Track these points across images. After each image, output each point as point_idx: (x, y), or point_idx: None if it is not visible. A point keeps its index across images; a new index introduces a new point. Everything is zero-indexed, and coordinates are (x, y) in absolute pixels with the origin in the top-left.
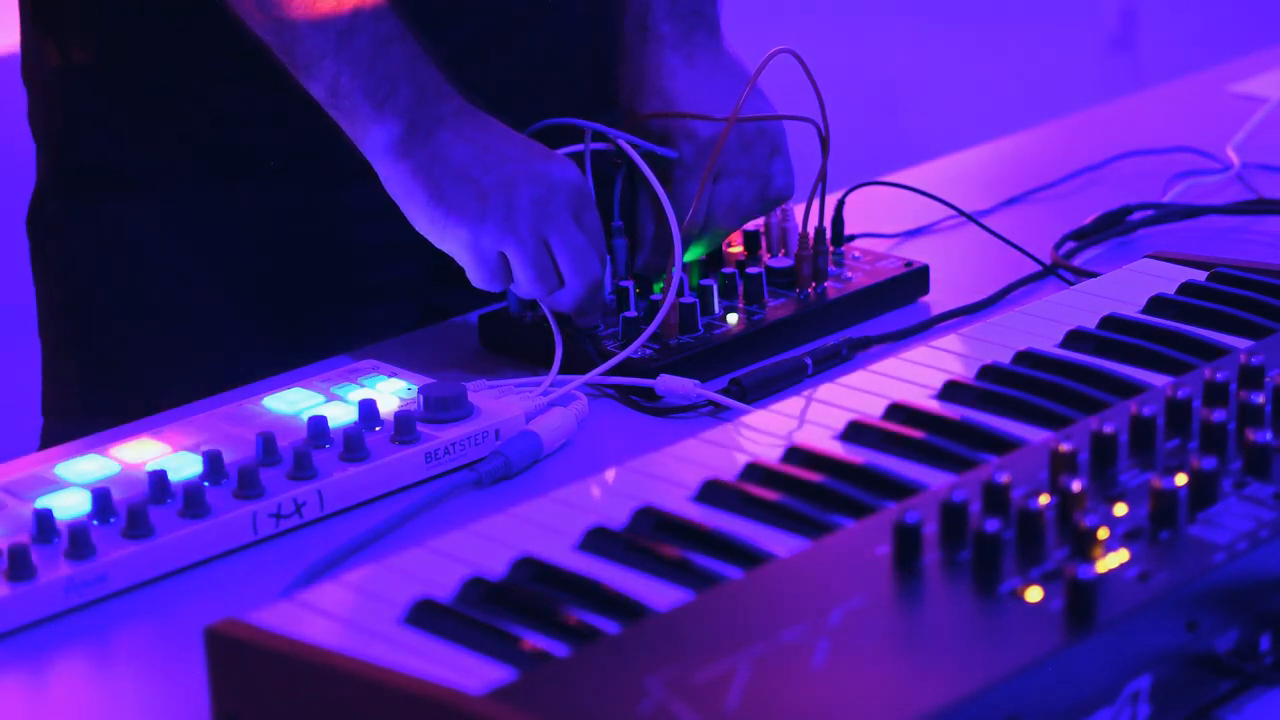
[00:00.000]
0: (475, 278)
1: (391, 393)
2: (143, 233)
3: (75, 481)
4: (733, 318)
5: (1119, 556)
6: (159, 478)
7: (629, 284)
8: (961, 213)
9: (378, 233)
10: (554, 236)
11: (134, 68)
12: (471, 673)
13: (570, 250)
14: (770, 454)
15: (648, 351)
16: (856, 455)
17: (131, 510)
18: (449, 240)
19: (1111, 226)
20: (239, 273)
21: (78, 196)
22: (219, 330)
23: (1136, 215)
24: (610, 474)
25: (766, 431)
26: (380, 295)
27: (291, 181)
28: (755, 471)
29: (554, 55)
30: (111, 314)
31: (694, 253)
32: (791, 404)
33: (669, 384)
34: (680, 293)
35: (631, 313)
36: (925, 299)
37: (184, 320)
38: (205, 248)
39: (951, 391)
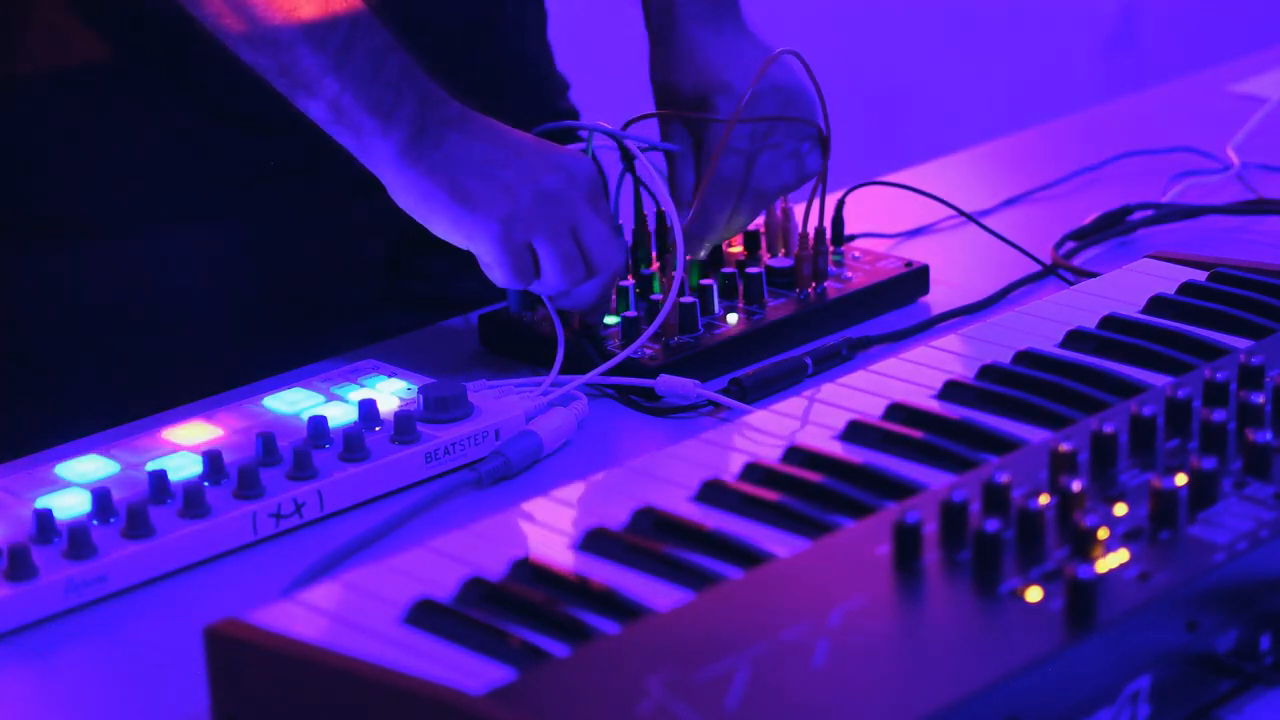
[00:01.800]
0: (501, 274)
1: (391, 393)
2: (83, 282)
3: (75, 481)
4: (733, 318)
5: (1119, 556)
6: (159, 478)
7: (629, 284)
8: (961, 213)
9: (325, 260)
10: (580, 225)
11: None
12: (471, 673)
13: (597, 238)
14: (770, 454)
15: (648, 351)
16: (856, 455)
17: (131, 510)
18: (478, 237)
19: (1111, 226)
20: (182, 311)
21: (18, 247)
22: (151, 370)
23: (1136, 215)
24: (610, 474)
25: (766, 431)
26: (328, 319)
27: (232, 215)
28: (755, 471)
29: (501, 71)
30: (54, 362)
31: (733, 229)
32: (791, 404)
33: (669, 384)
34: (680, 293)
35: (631, 313)
36: (925, 299)
37: (122, 367)
38: (141, 293)
39: (951, 391)
